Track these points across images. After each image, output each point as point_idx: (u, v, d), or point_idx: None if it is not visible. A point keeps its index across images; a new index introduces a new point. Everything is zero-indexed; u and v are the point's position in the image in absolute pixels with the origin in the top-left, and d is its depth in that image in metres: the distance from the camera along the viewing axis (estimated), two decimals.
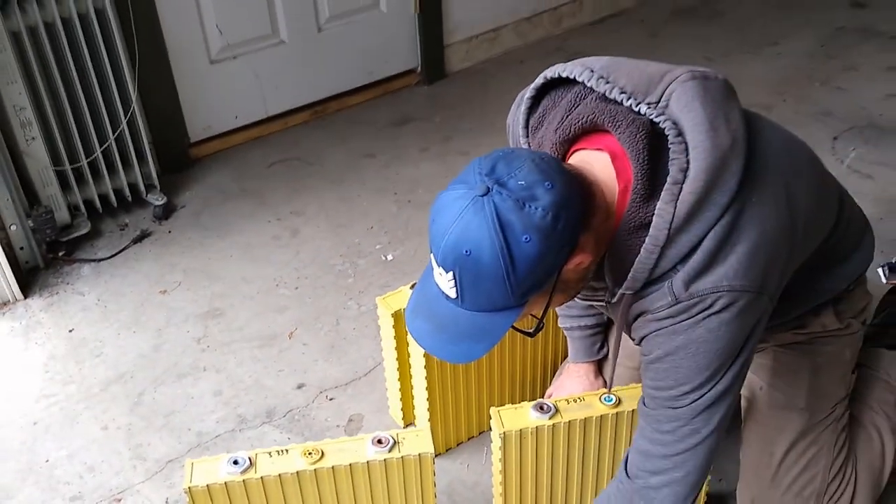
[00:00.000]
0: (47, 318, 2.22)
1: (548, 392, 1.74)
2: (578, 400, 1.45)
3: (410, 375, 1.74)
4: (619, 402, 1.44)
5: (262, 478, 1.34)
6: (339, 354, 2.07)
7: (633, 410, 1.43)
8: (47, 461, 1.85)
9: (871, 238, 1.45)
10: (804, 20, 3.39)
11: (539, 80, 1.25)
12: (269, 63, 2.78)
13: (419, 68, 3.12)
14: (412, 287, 1.70)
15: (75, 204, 2.43)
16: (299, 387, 1.99)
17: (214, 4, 2.59)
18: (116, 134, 2.41)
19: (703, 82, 1.14)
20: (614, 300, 1.19)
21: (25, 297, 2.27)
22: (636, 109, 1.14)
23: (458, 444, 1.83)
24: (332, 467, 1.36)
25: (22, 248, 2.30)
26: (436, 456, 1.46)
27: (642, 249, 1.11)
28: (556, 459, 1.47)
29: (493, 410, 1.44)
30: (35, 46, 2.20)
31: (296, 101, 2.91)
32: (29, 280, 2.31)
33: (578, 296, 1.25)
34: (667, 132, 1.11)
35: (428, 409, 1.70)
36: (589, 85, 1.19)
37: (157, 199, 2.54)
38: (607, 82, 1.17)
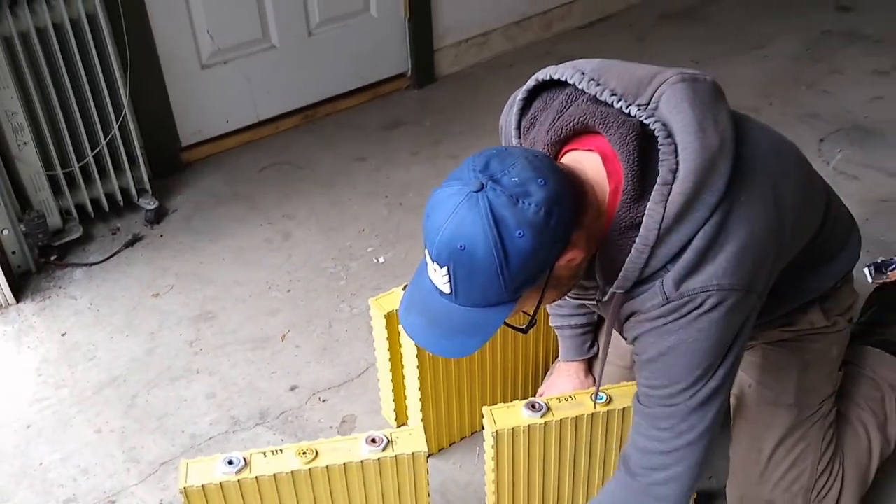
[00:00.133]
0: (39, 322, 2.22)
1: (539, 391, 1.76)
2: (570, 398, 1.47)
3: (403, 376, 1.75)
4: (609, 400, 1.45)
5: (256, 478, 1.35)
6: (332, 356, 2.09)
7: (624, 409, 1.45)
8: (41, 464, 1.85)
9: (858, 237, 1.47)
10: (790, 24, 3.42)
11: (531, 83, 1.27)
12: (260, 68, 2.80)
13: (409, 72, 3.14)
14: (404, 288, 1.71)
15: (67, 208, 2.44)
16: (292, 388, 2.00)
17: (205, 9, 2.61)
18: (108, 138, 2.41)
19: (693, 84, 1.16)
20: (605, 299, 1.21)
21: (18, 302, 2.27)
22: (626, 111, 1.16)
23: (450, 445, 1.84)
24: (327, 467, 1.37)
25: (14, 253, 2.30)
26: (428, 456, 1.47)
27: (633, 249, 1.13)
28: (549, 458, 1.48)
29: (485, 409, 1.46)
30: (27, 51, 2.21)
31: (287, 105, 2.93)
32: (21, 284, 2.32)
33: (570, 295, 1.27)
34: (656, 133, 1.13)
35: (420, 410, 1.71)
36: (580, 87, 1.21)
37: (149, 204, 2.54)
38: (598, 84, 1.19)
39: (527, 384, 1.85)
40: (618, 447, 1.51)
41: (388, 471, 1.40)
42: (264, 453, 1.39)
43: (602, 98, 1.18)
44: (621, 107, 1.17)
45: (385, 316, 1.68)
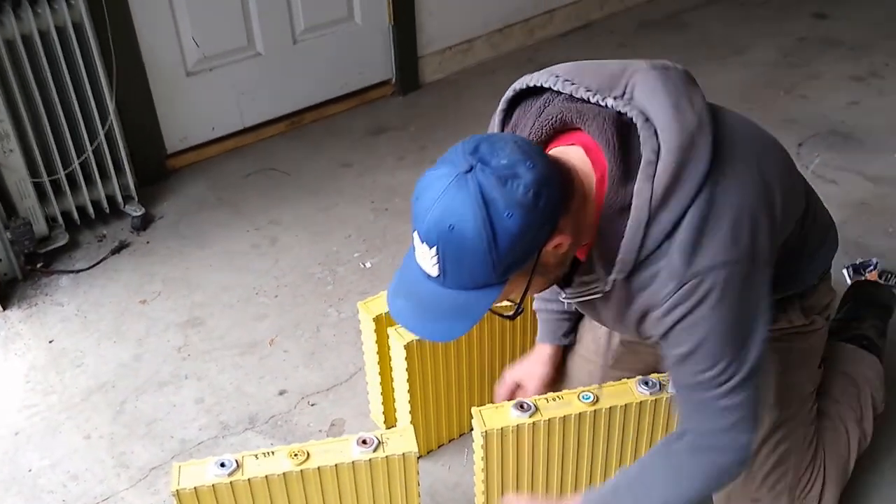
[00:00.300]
0: (26, 329, 2.22)
1: (506, 371, 1.73)
2: (557, 398, 1.49)
3: (392, 379, 1.77)
4: (596, 399, 1.48)
5: (249, 479, 1.37)
6: (320, 361, 2.10)
7: (610, 408, 1.47)
8: (30, 471, 1.85)
9: (836, 234, 1.49)
10: (768, 31, 3.48)
11: (509, 94, 1.30)
12: (245, 75, 2.81)
13: (394, 79, 3.16)
14: None
15: (53, 216, 2.44)
16: (281, 393, 2.02)
17: (191, 17, 2.62)
18: (94, 146, 2.42)
19: (664, 71, 1.19)
20: (608, 288, 1.21)
21: (4, 309, 2.27)
22: (603, 104, 1.19)
23: (438, 447, 1.86)
24: (318, 468, 1.39)
25: (0, 260, 2.30)
26: (418, 458, 1.49)
27: (626, 231, 1.14)
28: (537, 457, 1.51)
29: (474, 410, 1.48)
30: (12, 59, 2.21)
31: (272, 112, 2.94)
32: (7, 292, 2.31)
33: (573, 297, 1.28)
34: (634, 120, 1.15)
35: (409, 412, 1.73)
36: (555, 89, 1.24)
37: (135, 211, 2.55)
38: (572, 83, 1.22)
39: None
40: (605, 446, 1.53)
41: (379, 472, 1.41)
42: (256, 455, 1.40)
43: (578, 95, 1.21)
44: (597, 101, 1.19)
45: (373, 319, 1.70)
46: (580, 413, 1.47)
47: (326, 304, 2.27)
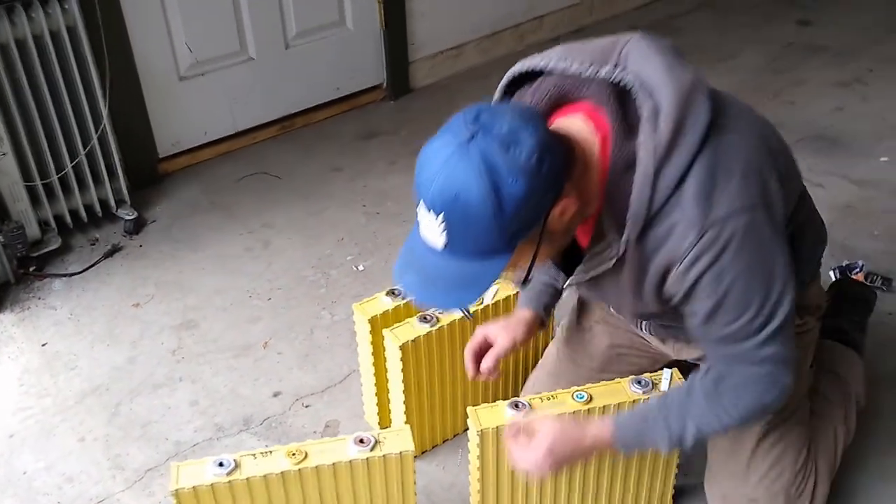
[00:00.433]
0: (19, 332, 2.22)
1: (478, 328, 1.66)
2: (552, 398, 1.51)
3: (386, 380, 1.79)
4: (590, 398, 1.50)
5: (247, 479, 1.38)
6: (314, 363, 2.11)
7: (604, 406, 1.49)
8: (25, 473, 1.85)
9: (826, 233, 1.52)
10: (755, 37, 3.52)
11: (504, 81, 1.31)
12: (237, 79, 2.82)
13: (385, 84, 3.18)
14: (388, 293, 1.76)
15: (46, 219, 2.45)
16: (275, 395, 2.03)
17: (184, 22, 2.63)
18: (87, 150, 2.43)
19: (655, 40, 1.22)
20: (621, 251, 1.20)
21: None
22: (598, 76, 1.20)
23: (433, 447, 1.88)
24: (316, 467, 1.40)
25: None
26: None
27: (634, 185, 1.14)
28: None
29: (469, 409, 1.49)
30: (6, 62, 2.22)
31: (264, 116, 2.96)
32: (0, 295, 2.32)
33: (584, 272, 1.27)
34: (631, 84, 1.17)
35: (404, 413, 1.75)
36: (549, 68, 1.25)
37: (128, 214, 2.56)
38: (565, 61, 1.24)
39: (507, 386, 1.89)
40: None
41: (376, 470, 1.43)
42: (254, 455, 1.41)
43: (572, 71, 1.22)
44: (591, 73, 1.21)
45: (369, 321, 1.72)
46: (574, 412, 1.49)
47: (320, 307, 2.28)
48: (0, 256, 2.30)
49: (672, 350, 1.58)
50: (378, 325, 1.72)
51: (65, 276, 2.40)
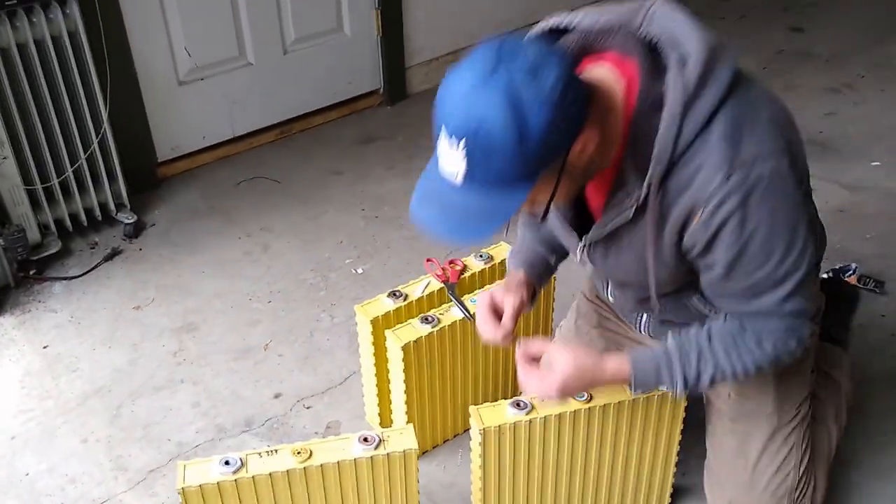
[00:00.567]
0: (20, 335, 2.23)
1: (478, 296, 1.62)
2: None
3: (388, 381, 1.81)
4: (591, 397, 1.52)
5: (253, 477, 1.39)
6: (315, 365, 2.13)
7: (604, 405, 1.52)
8: (27, 474, 1.86)
9: (826, 239, 1.53)
10: (746, 43, 3.56)
11: (532, 34, 1.28)
12: (236, 84, 2.84)
13: (382, 89, 3.21)
14: (389, 295, 1.78)
15: (46, 223, 2.46)
16: (276, 396, 2.04)
17: (183, 27, 2.65)
18: (87, 154, 2.44)
19: (679, 5, 1.22)
20: (643, 197, 1.19)
21: None
22: (623, 31, 1.21)
23: (433, 448, 1.89)
24: (321, 465, 1.42)
25: None
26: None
27: (661, 123, 1.14)
28: (533, 454, 1.54)
29: (472, 408, 1.51)
30: (7, 67, 2.23)
31: (262, 121, 2.98)
32: (0, 299, 2.32)
33: (606, 225, 1.27)
34: (659, 38, 1.18)
35: (406, 413, 1.77)
36: (574, 24, 1.25)
37: (127, 218, 2.57)
38: (591, 18, 1.24)
39: (506, 387, 1.91)
40: (599, 443, 1.57)
41: (380, 469, 1.45)
42: (259, 454, 1.43)
43: (597, 28, 1.23)
44: (616, 29, 1.21)
45: (371, 322, 1.74)
46: (575, 410, 1.51)
47: (319, 310, 2.30)
48: (0, 260, 2.31)
49: None
50: (380, 326, 1.74)
51: (65, 279, 2.41)
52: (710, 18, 3.79)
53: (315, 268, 2.45)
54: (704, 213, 1.17)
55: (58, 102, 2.35)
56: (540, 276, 1.59)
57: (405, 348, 1.68)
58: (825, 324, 1.84)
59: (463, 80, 1.07)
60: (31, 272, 2.40)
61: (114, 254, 2.50)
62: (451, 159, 1.10)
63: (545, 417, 1.50)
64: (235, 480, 1.39)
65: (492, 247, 1.91)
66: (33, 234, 2.41)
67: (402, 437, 1.46)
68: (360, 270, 2.43)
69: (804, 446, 1.56)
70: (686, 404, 1.57)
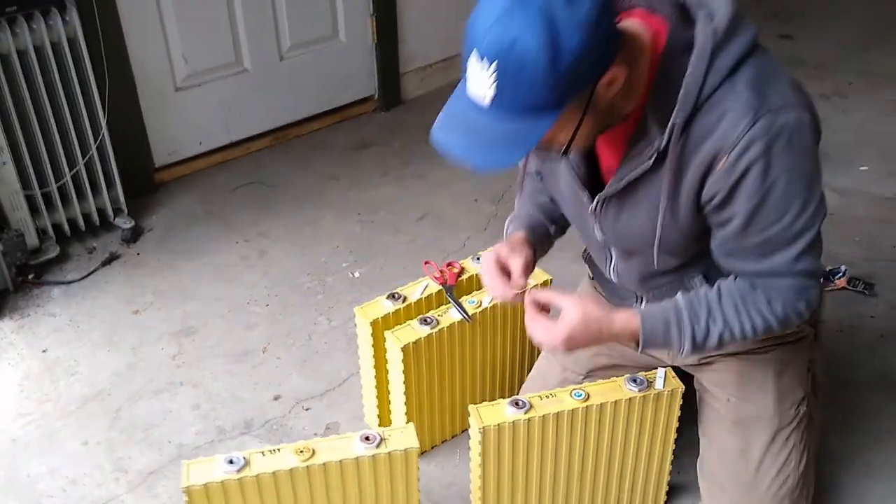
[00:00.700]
0: (19, 339, 2.25)
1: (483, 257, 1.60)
2: (550, 396, 1.56)
3: (387, 382, 1.83)
4: (588, 396, 1.55)
5: (257, 476, 1.41)
6: (313, 367, 2.15)
7: (601, 404, 1.54)
8: (28, 476, 1.87)
9: (821, 243, 1.56)
10: None
11: None
12: (232, 90, 2.87)
13: (377, 95, 3.24)
14: (388, 297, 1.80)
15: (44, 228, 2.47)
16: (275, 398, 2.06)
17: (180, 34, 2.67)
18: (86, 159, 2.46)
19: None
20: (665, 144, 1.19)
21: None
22: None
23: (432, 448, 1.92)
24: (324, 464, 1.43)
25: None
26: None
27: (690, 65, 1.15)
28: (532, 453, 1.57)
29: (471, 407, 1.54)
30: (7, 73, 2.25)
31: (258, 127, 3.00)
32: None
33: (624, 177, 1.26)
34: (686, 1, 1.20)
35: (405, 414, 1.79)
36: None
37: (125, 223, 2.59)
38: None
39: (504, 387, 1.94)
40: (596, 441, 1.60)
41: (381, 467, 1.47)
42: (262, 453, 1.45)
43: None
44: None
45: (370, 323, 1.76)
46: (573, 409, 1.53)
47: (317, 313, 2.32)
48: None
49: (667, 355, 1.62)
50: (379, 327, 1.77)
51: (63, 283, 2.43)
52: None
53: (312, 272, 2.47)
54: (729, 159, 1.17)
55: (57, 108, 2.37)
56: (540, 241, 1.57)
57: (405, 349, 1.70)
58: None
59: (495, 4, 1.07)
60: (30, 277, 2.42)
61: (112, 258, 2.52)
62: (479, 81, 1.09)
63: (543, 416, 1.52)
64: (239, 479, 1.41)
65: (488, 249, 1.93)
66: (32, 239, 2.43)
67: (404, 436, 1.48)
68: (356, 274, 2.45)
69: (803, 447, 1.58)
70: (681, 402, 1.60)
